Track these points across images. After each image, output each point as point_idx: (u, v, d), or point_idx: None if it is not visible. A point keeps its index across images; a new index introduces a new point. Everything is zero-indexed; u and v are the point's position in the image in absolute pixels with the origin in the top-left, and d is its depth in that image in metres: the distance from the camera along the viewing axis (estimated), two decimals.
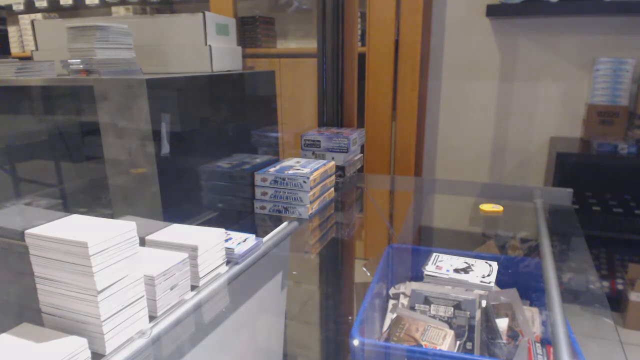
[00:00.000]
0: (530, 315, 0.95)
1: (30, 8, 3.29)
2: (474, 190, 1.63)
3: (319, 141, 1.26)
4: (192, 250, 0.66)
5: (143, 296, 0.56)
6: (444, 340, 0.89)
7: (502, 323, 0.91)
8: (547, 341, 0.87)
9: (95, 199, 1.16)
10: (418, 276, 1.14)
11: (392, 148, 2.35)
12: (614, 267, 2.09)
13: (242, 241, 0.76)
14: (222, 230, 0.77)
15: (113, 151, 0.97)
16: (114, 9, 3.10)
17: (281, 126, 1.45)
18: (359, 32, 2.36)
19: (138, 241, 0.55)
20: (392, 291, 1.09)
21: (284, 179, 1.01)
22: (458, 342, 0.91)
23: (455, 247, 1.19)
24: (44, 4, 3.21)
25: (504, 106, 2.25)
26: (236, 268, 0.75)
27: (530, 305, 1.02)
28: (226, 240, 0.75)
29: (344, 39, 1.44)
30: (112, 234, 0.51)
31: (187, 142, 1.05)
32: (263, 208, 1.04)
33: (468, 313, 0.94)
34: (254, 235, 0.79)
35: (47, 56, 1.23)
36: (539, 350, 0.83)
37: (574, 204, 1.93)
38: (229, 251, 0.74)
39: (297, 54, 2.61)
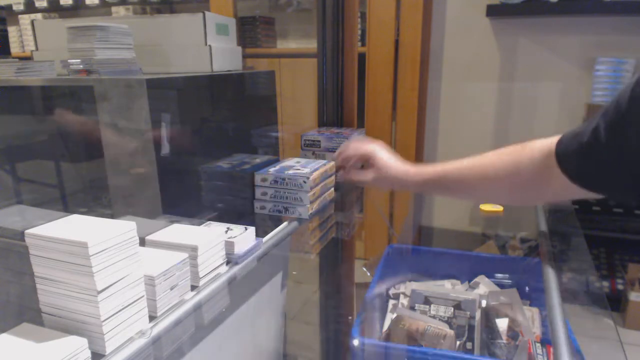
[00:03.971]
0: (530, 315, 0.96)
1: (30, 8, 3.29)
2: None
3: (319, 141, 1.26)
4: (192, 250, 0.66)
5: (143, 296, 0.56)
6: (444, 340, 0.89)
7: (502, 323, 0.91)
8: (547, 341, 0.87)
9: (95, 199, 1.16)
10: (418, 276, 1.14)
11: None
12: (614, 267, 2.09)
13: (241, 233, 0.76)
14: (222, 230, 0.77)
15: (113, 151, 0.97)
16: (114, 9, 3.10)
17: (281, 126, 1.45)
18: (359, 32, 2.36)
19: (138, 241, 0.55)
20: (392, 291, 1.09)
21: (283, 179, 1.01)
22: (458, 342, 0.91)
23: (455, 247, 1.19)
24: (44, 4, 3.21)
25: (504, 106, 2.25)
26: (236, 268, 0.75)
27: (530, 305, 1.02)
28: (226, 232, 0.76)
29: (344, 39, 1.44)
30: (112, 234, 0.51)
31: (187, 142, 1.05)
32: (263, 208, 1.04)
33: (468, 313, 0.94)
34: (253, 228, 0.79)
35: (47, 56, 1.23)
36: (539, 350, 0.83)
37: (574, 204, 1.93)
38: (229, 250, 0.74)
39: (297, 54, 2.62)
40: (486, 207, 1.27)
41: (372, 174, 0.95)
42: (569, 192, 0.70)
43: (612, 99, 0.61)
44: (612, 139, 0.60)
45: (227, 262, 0.75)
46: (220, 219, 0.86)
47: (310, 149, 1.27)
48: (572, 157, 0.67)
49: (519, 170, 0.76)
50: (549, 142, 0.71)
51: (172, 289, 0.62)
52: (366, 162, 0.96)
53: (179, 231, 0.71)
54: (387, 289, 1.10)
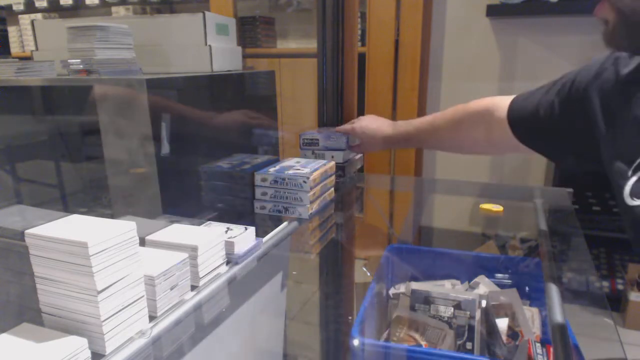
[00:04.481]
0: (530, 315, 0.95)
1: (30, 8, 3.29)
2: (474, 190, 1.63)
3: (317, 140, 1.26)
4: (192, 250, 0.66)
5: (143, 296, 0.57)
6: (444, 340, 0.89)
7: (502, 323, 0.91)
8: (547, 341, 0.87)
9: (95, 199, 1.16)
10: (418, 276, 1.14)
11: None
12: (614, 267, 2.09)
13: (241, 233, 0.76)
14: (222, 230, 0.77)
15: (113, 151, 0.97)
16: (114, 9, 3.10)
17: (281, 126, 1.45)
18: (359, 32, 2.36)
19: (138, 241, 0.55)
20: (392, 291, 1.09)
21: (283, 179, 1.01)
22: (458, 342, 0.91)
23: (455, 247, 1.19)
24: (44, 4, 3.21)
25: None
26: (236, 268, 0.75)
27: (530, 305, 1.02)
28: (226, 232, 0.76)
29: (344, 39, 1.44)
30: (112, 234, 0.51)
31: (187, 142, 1.05)
32: (263, 208, 1.04)
33: (468, 313, 0.94)
34: (253, 228, 0.79)
35: (47, 56, 1.23)
36: (539, 350, 0.83)
37: (574, 204, 1.93)
38: (229, 250, 0.74)
39: (297, 54, 2.61)
40: (486, 207, 1.27)
41: (363, 146, 1.26)
42: (509, 146, 0.85)
43: (568, 79, 0.73)
44: (564, 115, 0.72)
45: (227, 262, 0.75)
46: (220, 219, 0.86)
47: (309, 147, 1.27)
48: (524, 122, 0.80)
49: (460, 122, 0.95)
50: (488, 101, 0.88)
51: (172, 289, 0.62)
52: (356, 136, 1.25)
53: (179, 231, 0.71)
54: (387, 289, 1.10)
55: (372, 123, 1.22)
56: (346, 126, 1.26)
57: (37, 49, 1.31)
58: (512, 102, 0.83)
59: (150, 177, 0.95)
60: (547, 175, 2.19)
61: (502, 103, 0.85)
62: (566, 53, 2.08)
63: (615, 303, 1.98)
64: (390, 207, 1.62)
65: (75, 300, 0.51)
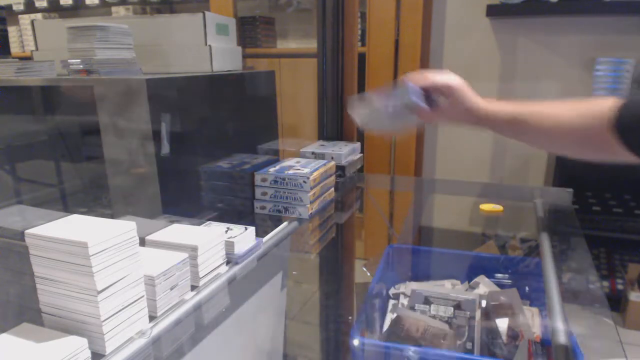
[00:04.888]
0: (530, 315, 0.95)
1: (30, 8, 3.28)
2: (474, 190, 1.63)
3: (371, 101, 1.04)
4: (192, 250, 0.66)
5: (143, 296, 0.57)
6: (444, 340, 0.89)
7: (502, 323, 0.91)
8: (547, 341, 0.87)
9: (95, 199, 1.16)
10: (418, 276, 1.14)
11: (392, 148, 2.35)
12: (614, 267, 2.09)
13: (241, 233, 0.76)
14: (222, 230, 0.77)
15: (113, 151, 0.97)
16: (114, 9, 3.10)
17: (281, 126, 1.45)
18: (359, 32, 2.36)
19: (138, 241, 0.55)
20: (392, 291, 1.09)
21: (283, 179, 1.01)
22: (458, 342, 0.91)
23: (455, 247, 1.19)
24: (44, 4, 3.21)
25: None
26: (236, 268, 0.75)
27: (530, 305, 1.02)
28: (226, 232, 0.76)
29: (344, 39, 1.44)
30: (112, 234, 0.51)
31: (187, 142, 1.05)
32: (263, 208, 1.04)
33: (468, 313, 0.94)
34: (253, 228, 0.79)
35: (47, 56, 1.23)
36: (539, 350, 0.83)
37: (574, 204, 1.93)
38: (229, 250, 0.74)
39: (297, 54, 2.61)
40: (486, 207, 1.27)
41: (449, 106, 0.87)
42: (615, 155, 0.70)
43: None
44: None
45: (227, 262, 0.75)
46: (220, 219, 0.86)
47: (363, 110, 0.89)
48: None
49: (589, 126, 0.74)
50: (603, 105, 0.71)
51: (172, 289, 0.62)
52: (441, 93, 0.87)
53: (179, 231, 0.71)
54: (387, 289, 1.10)
55: (462, 84, 0.87)
56: (426, 78, 0.87)
57: (37, 49, 1.31)
58: (620, 113, 0.69)
59: (150, 177, 0.95)
60: (547, 175, 2.19)
61: (606, 109, 0.71)
62: (566, 53, 2.08)
63: (615, 303, 1.98)
64: (390, 207, 1.62)
65: (75, 300, 0.51)
